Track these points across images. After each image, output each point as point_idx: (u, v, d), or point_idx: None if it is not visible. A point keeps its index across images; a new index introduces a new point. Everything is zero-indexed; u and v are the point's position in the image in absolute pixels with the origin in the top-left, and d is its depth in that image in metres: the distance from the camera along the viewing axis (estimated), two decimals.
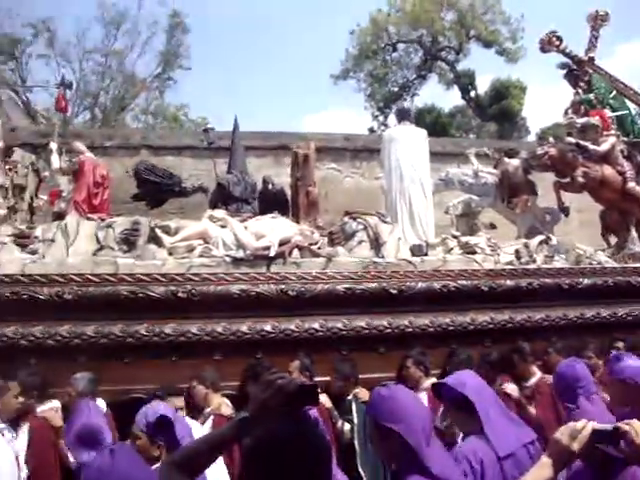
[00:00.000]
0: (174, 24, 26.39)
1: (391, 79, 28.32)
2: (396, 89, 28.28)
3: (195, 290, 5.25)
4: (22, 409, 4.13)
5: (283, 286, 5.42)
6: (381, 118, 27.47)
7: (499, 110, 25.48)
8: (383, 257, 6.01)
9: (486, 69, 42.57)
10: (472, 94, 27.39)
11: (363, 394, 4.80)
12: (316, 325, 5.40)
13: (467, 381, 2.78)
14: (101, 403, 4.63)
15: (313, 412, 3.52)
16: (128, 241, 5.70)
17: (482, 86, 27.33)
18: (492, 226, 8.54)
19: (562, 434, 1.80)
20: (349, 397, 4.97)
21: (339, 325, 5.45)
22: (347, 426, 4.87)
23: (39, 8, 41.41)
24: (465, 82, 27.25)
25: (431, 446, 2.20)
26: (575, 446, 1.76)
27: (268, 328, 5.32)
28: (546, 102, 33.01)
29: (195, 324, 5.22)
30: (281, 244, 5.77)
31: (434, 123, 25.54)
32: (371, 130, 25.87)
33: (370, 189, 12.15)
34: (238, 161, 8.50)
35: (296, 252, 5.92)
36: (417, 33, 27.14)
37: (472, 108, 27.23)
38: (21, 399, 4.13)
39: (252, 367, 4.98)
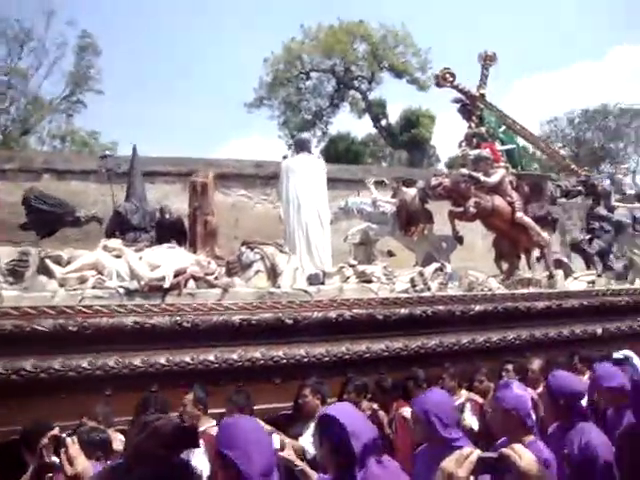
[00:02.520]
0: (84, 45, 25.82)
1: (305, 107, 28.81)
2: (309, 117, 28.76)
3: (86, 323, 5.08)
4: None
5: (178, 318, 5.33)
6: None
7: (409, 138, 26.30)
8: (279, 287, 6.03)
9: (398, 98, 43.86)
10: (383, 123, 28.16)
11: None
12: (211, 357, 5.36)
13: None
14: None
15: None
16: (15, 272, 5.50)
17: (394, 115, 28.26)
18: (390, 254, 8.72)
19: (449, 461, 1.76)
20: None
21: (234, 356, 5.42)
22: None
23: None
24: (377, 111, 28.02)
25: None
26: (461, 473, 1.70)
27: (162, 361, 5.23)
28: (455, 131, 34.22)
29: (86, 358, 5.06)
30: (176, 275, 5.67)
31: (347, 151, 26.06)
32: (284, 157, 25.91)
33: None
34: (137, 189, 8.30)
35: (192, 283, 5.83)
36: (330, 62, 27.72)
37: (384, 136, 27.92)
38: None
39: (146, 400, 4.90)
